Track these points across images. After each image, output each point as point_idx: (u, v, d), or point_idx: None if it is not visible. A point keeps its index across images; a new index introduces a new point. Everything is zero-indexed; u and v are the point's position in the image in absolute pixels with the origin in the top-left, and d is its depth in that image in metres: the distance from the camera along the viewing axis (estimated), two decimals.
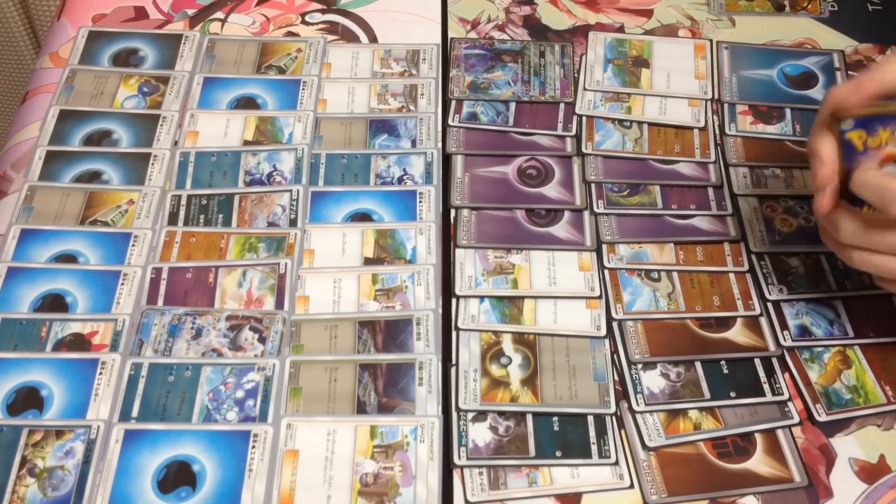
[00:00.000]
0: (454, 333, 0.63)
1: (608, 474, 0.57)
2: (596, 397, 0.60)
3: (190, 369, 0.60)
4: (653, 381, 0.61)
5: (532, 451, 0.58)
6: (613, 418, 0.59)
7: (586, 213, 0.69)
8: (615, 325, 0.64)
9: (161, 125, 0.74)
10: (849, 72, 0.79)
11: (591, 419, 0.59)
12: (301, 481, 0.56)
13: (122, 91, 0.76)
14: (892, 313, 0.65)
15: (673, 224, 0.69)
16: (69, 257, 0.66)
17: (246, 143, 0.73)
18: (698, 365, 0.62)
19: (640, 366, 0.62)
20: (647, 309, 0.64)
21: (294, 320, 0.63)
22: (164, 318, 0.63)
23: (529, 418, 0.59)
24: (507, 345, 0.63)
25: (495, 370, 0.61)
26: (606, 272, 0.66)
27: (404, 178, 0.71)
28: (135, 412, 0.58)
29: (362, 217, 0.69)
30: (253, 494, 0.55)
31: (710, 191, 0.71)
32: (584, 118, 0.75)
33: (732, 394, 0.60)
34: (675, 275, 0.66)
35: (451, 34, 0.82)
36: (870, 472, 0.57)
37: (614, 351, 0.62)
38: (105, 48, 0.79)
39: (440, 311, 0.64)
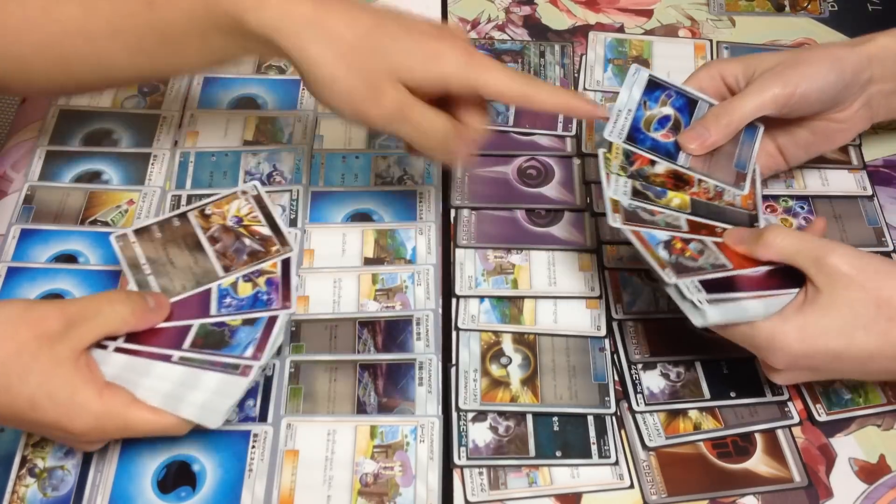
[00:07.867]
0: (454, 333, 0.63)
1: (608, 474, 0.57)
2: (596, 397, 0.60)
3: None
4: (653, 381, 0.61)
5: (532, 451, 0.58)
6: (613, 418, 0.59)
7: (586, 214, 0.69)
8: (615, 325, 0.63)
9: (161, 125, 0.74)
10: None
11: (591, 419, 0.59)
12: (301, 481, 0.56)
13: (121, 91, 0.76)
14: None
15: None
16: (69, 257, 0.66)
17: (246, 143, 0.73)
18: (698, 365, 0.62)
19: (640, 366, 0.62)
20: (647, 309, 0.64)
21: (294, 320, 0.63)
22: None
23: (529, 418, 0.59)
24: (507, 345, 0.62)
25: (495, 370, 0.61)
26: (606, 272, 0.66)
27: (404, 178, 0.71)
28: None
29: (362, 217, 0.69)
30: (253, 494, 0.55)
31: None
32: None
33: (732, 394, 0.60)
34: None
35: None
36: (870, 472, 0.57)
37: (614, 351, 0.62)
38: None
39: (440, 311, 0.64)
